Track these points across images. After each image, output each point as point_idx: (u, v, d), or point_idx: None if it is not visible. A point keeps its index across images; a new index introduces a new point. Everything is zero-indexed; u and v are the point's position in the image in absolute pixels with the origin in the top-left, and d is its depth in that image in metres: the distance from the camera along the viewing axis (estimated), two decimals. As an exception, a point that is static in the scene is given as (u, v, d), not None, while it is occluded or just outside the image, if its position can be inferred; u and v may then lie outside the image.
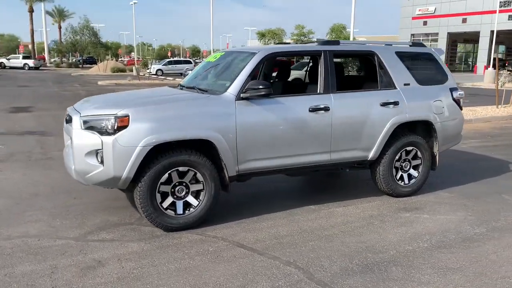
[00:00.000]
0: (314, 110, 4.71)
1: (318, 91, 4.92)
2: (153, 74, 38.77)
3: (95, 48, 53.94)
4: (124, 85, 25.86)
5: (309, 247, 3.97)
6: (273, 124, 4.53)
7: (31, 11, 55.52)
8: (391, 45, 5.64)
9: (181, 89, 5.09)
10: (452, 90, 5.68)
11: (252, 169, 4.55)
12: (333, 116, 4.81)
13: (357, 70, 6.73)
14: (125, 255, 3.73)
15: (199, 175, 4.27)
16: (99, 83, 27.55)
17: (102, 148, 3.96)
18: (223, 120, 4.28)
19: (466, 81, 30.86)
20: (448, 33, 49.88)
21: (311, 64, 5.96)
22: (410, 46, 5.74)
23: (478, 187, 5.96)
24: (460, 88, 5.86)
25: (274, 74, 6.61)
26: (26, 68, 49.70)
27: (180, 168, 4.17)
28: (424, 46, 5.87)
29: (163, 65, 42.31)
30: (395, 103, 5.16)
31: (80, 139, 4.04)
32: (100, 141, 3.96)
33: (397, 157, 5.33)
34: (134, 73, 35.65)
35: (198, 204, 4.31)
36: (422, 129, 5.57)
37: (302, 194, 5.73)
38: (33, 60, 51.43)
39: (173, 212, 4.23)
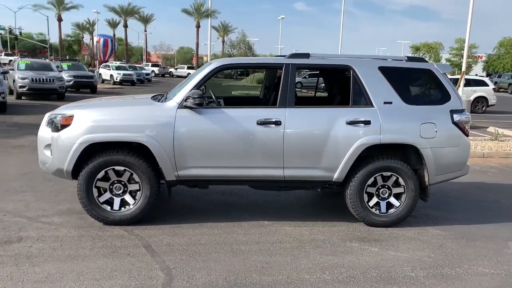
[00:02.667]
0: (263, 123, 4.62)
1: (273, 105, 4.80)
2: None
3: (248, 61, 57.72)
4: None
5: (204, 258, 3.96)
6: (214, 133, 4.60)
7: (198, 26, 62.18)
8: (385, 59, 5.16)
9: (161, 96, 5.45)
10: (453, 112, 4.91)
11: (193, 176, 4.69)
12: (285, 131, 4.64)
13: (330, 86, 6.21)
14: (45, 237, 4.27)
15: (135, 176, 4.59)
16: (233, 93, 29.55)
17: (51, 143, 4.58)
18: (161, 126, 4.52)
19: None
20: None
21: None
22: (406, 61, 5.14)
23: (484, 228, 5.01)
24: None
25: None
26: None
27: (116, 167, 4.55)
28: (424, 61, 5.18)
29: (303, 78, 43.27)
30: (366, 122, 4.71)
31: (41, 133, 4.74)
32: (51, 136, 4.59)
33: (369, 182, 4.84)
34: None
35: (134, 203, 4.63)
36: (413, 154, 4.95)
37: (269, 208, 5.56)
38: (194, 71, 57.45)
39: (109, 207, 4.62)
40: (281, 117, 4.66)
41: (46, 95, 18.14)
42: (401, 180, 4.86)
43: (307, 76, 43.64)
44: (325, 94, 6.52)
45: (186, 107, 4.55)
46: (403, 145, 4.87)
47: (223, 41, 72.95)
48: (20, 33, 70.01)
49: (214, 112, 4.69)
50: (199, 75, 4.75)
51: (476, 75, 37.05)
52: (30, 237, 4.26)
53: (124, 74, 33.42)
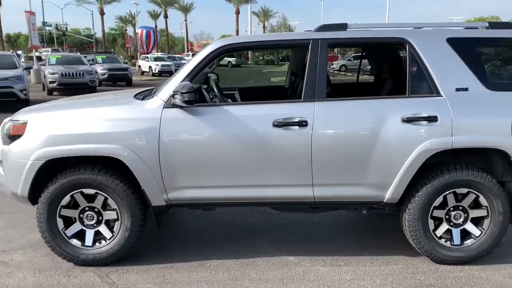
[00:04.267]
0: (282, 124, 3.29)
1: (296, 98, 3.46)
2: (336, 70, 37.97)
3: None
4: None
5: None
6: (213, 141, 3.33)
7: (237, 12, 60.78)
8: (455, 28, 3.67)
9: (150, 92, 4.24)
10: (563, 100, 3.36)
11: (188, 199, 3.45)
12: (313, 135, 3.29)
13: (378, 68, 4.68)
14: (-12, 289, 3.16)
15: (111, 201, 3.40)
16: (272, 79, 28.15)
17: (2, 158, 3.48)
18: (141, 133, 3.30)
19: None
20: None
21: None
22: (487, 28, 3.61)
23: None
24: None
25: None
26: (229, 66, 54.75)
27: (85, 190, 3.38)
28: (514, 27, 3.62)
29: (347, 60, 41.03)
30: (431, 119, 3.27)
31: (-6, 146, 3.63)
32: (1, 150, 3.48)
33: (437, 203, 3.41)
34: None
35: (112, 237, 3.46)
36: (500, 162, 3.47)
37: (296, 234, 4.19)
38: (235, 59, 56.38)
39: (79, 242, 3.47)
40: (307, 115, 3.31)
41: (77, 89, 17.46)
42: (482, 199, 3.40)
43: (352, 59, 41.37)
44: (371, 80, 5.05)
45: (175, 105, 3.29)
46: (485, 150, 3.40)
47: (264, 27, 71.29)
48: (66, 28, 71.48)
49: (213, 111, 3.41)
50: (192, 61, 3.46)
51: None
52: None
53: (162, 65, 32.69)
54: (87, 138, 3.28)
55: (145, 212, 3.49)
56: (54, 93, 17.22)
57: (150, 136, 3.29)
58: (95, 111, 3.45)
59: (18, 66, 13.12)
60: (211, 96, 4.01)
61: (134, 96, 3.75)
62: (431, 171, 3.39)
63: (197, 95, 3.68)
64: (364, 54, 5.00)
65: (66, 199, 3.39)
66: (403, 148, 3.29)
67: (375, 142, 3.29)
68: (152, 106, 3.36)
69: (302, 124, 3.29)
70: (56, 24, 67.10)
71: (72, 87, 17.16)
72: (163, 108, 3.34)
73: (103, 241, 3.48)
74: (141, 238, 3.56)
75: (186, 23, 73.76)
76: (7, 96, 11.88)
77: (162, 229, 4.10)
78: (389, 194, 3.38)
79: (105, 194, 3.37)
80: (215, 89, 3.90)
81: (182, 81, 3.34)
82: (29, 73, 16.70)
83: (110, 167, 3.40)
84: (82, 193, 3.39)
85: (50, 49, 53.19)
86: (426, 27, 3.68)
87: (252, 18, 72.83)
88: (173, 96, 3.26)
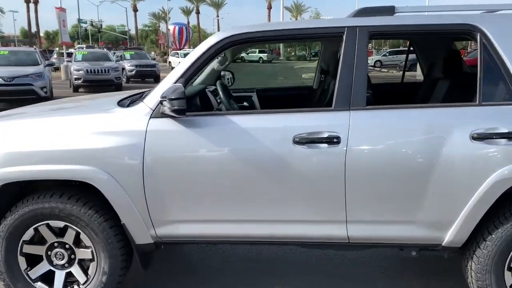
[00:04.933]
0: (305, 141, 2.45)
1: (327, 102, 2.62)
2: (371, 66, 36.52)
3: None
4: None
5: None
6: (215, 162, 2.53)
7: (269, 8, 59.91)
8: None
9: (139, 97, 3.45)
10: None
11: (183, 236, 2.66)
12: (349, 155, 2.43)
13: (432, 65, 3.71)
14: None
15: (85, 237, 2.66)
16: (303, 76, 27.19)
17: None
18: (121, 151, 2.53)
19: None
20: None
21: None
22: None
23: None
24: None
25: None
26: (261, 62, 54.00)
27: (52, 223, 2.65)
28: None
29: (382, 55, 39.42)
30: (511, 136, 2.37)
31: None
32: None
33: (518, 249, 2.50)
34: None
35: (86, 282, 2.72)
36: None
37: (321, 276, 3.37)
38: (266, 55, 55.55)
39: (46, 287, 2.75)
40: (340, 128, 2.46)
41: (103, 86, 17.10)
42: None
43: (387, 54, 39.69)
44: (420, 79, 4.11)
45: (164, 115, 2.50)
46: None
47: (297, 22, 70.01)
48: (101, 25, 72.44)
49: (215, 122, 2.60)
50: (190, 57, 2.66)
51: None
52: None
53: (192, 61, 32.18)
54: (52, 157, 2.54)
55: (130, 251, 2.72)
56: (80, 90, 16.90)
57: (132, 155, 2.52)
58: (63, 122, 2.70)
59: (39, 63, 12.75)
60: (218, 101, 3.22)
61: (119, 102, 2.98)
62: (511, 206, 2.48)
63: (198, 100, 2.90)
64: (411, 47, 4.08)
65: (29, 233, 2.67)
66: (472, 175, 2.40)
67: (433, 167, 2.40)
68: (136, 116, 2.59)
69: (333, 140, 2.44)
70: (91, 21, 68.03)
71: (97, 84, 16.81)
72: (150, 118, 2.56)
73: (75, 286, 2.74)
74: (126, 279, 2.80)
75: (218, 19, 73.42)
76: (27, 94, 11.47)
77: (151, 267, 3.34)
78: (450, 235, 2.50)
79: (76, 228, 2.63)
80: (220, 92, 3.08)
81: (175, 82, 2.55)
82: (54, 70, 16.37)
83: (85, 192, 2.65)
84: (48, 225, 2.66)
85: (84, 46, 53.91)
86: (503, 9, 2.75)
87: (285, 13, 71.81)
88: (161, 102, 2.48)
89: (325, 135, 2.45)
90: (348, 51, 2.55)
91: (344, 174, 2.45)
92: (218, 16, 72.80)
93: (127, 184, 2.52)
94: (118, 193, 2.52)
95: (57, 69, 23.98)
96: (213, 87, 3.37)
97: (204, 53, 2.61)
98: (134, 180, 2.52)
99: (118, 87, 17.28)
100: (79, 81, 16.46)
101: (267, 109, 2.74)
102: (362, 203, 2.49)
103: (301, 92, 4.75)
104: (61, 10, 23.72)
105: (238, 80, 4.44)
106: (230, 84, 4.24)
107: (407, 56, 4.37)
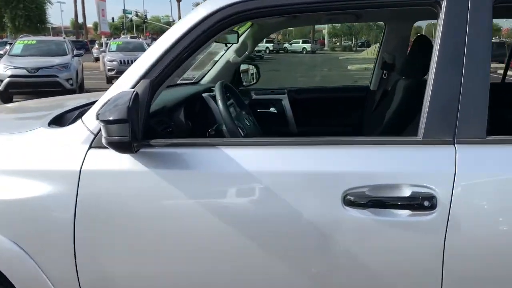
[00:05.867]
0: (365, 203, 1.27)
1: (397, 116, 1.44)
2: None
3: (370, 30, 52.64)
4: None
5: None
6: (201, 231, 1.39)
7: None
8: None
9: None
10: None
11: None
12: (451, 231, 1.24)
13: None
14: None
15: None
16: (349, 67, 25.62)
17: None
18: (32, 207, 1.44)
19: None
20: None
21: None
22: None
23: None
24: None
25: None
26: (304, 52, 52.48)
27: None
28: None
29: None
30: None
31: None
32: None
33: None
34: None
35: None
36: None
37: None
38: (310, 45, 53.98)
39: None
40: (434, 179, 1.26)
41: (137, 78, 16.35)
42: None
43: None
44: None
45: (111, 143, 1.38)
46: None
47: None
48: (146, 16, 73.01)
49: (198, 160, 1.44)
50: (163, 41, 1.51)
51: None
52: None
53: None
54: None
55: None
56: (113, 81, 16.25)
57: (57, 214, 1.43)
58: None
59: (67, 53, 12.09)
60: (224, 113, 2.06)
61: (62, 114, 1.86)
62: None
63: (182, 115, 1.77)
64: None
65: None
66: None
67: None
68: (66, 144, 1.49)
69: (422, 204, 1.25)
70: (136, 12, 68.60)
71: (132, 76, 16.08)
72: (89, 148, 1.46)
73: None
74: None
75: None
76: (52, 86, 10.79)
77: None
78: None
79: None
80: (219, 102, 1.89)
81: (132, 87, 1.43)
82: (94, 60, 15.85)
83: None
84: None
85: (129, 36, 54.07)
86: None
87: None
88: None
89: (407, 193, 1.26)
90: (451, 31, 1.33)
91: (442, 267, 1.26)
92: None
93: (48, 263, 1.44)
94: (31, 275, 1.45)
95: (97, 59, 23.68)
96: (212, 93, 2.22)
97: (186, 34, 1.46)
98: (59, 256, 1.43)
99: (152, 79, 16.52)
100: (112, 72, 15.79)
101: (292, 138, 1.53)
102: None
103: (353, 95, 3.29)
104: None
105: (275, 72, 3.23)
106: (253, 82, 3.10)
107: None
